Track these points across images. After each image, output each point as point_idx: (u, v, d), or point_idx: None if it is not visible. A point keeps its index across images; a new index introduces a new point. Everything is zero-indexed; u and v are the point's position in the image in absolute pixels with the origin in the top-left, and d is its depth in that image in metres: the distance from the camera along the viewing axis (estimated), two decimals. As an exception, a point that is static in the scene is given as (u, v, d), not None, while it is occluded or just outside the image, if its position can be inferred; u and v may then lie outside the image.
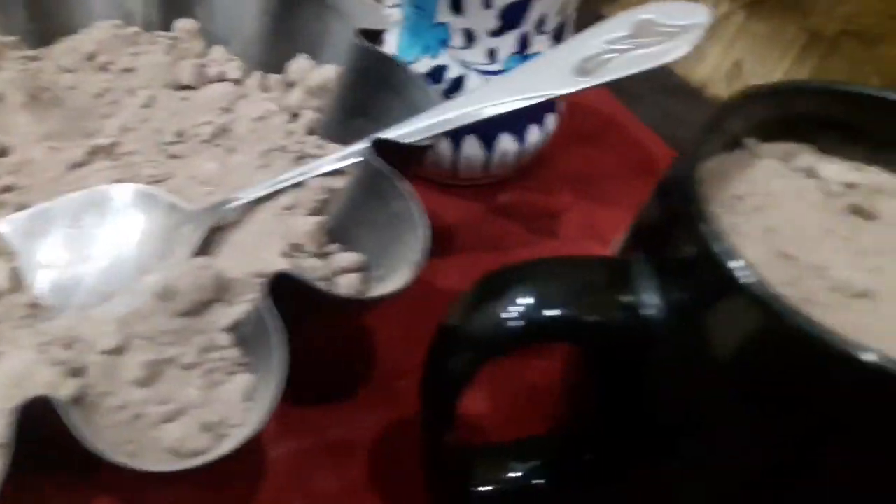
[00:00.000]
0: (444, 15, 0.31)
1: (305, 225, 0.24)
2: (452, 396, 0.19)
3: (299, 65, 0.30)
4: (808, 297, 0.17)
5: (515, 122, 0.35)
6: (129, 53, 0.31)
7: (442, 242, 0.35)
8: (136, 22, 0.31)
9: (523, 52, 0.32)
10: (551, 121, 0.36)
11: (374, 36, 0.28)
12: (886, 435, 0.16)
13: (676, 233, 0.17)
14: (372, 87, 0.27)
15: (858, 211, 0.20)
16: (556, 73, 0.25)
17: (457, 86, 0.32)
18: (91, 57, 0.31)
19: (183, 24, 0.31)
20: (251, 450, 0.27)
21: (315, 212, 0.25)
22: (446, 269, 0.34)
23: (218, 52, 0.31)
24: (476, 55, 0.32)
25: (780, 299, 0.15)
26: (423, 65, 0.32)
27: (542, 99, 0.25)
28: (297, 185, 0.25)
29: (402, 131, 0.25)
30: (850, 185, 0.20)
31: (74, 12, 0.31)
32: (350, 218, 0.25)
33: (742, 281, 0.15)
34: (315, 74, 0.29)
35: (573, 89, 0.24)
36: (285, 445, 0.28)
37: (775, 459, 0.18)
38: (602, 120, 0.41)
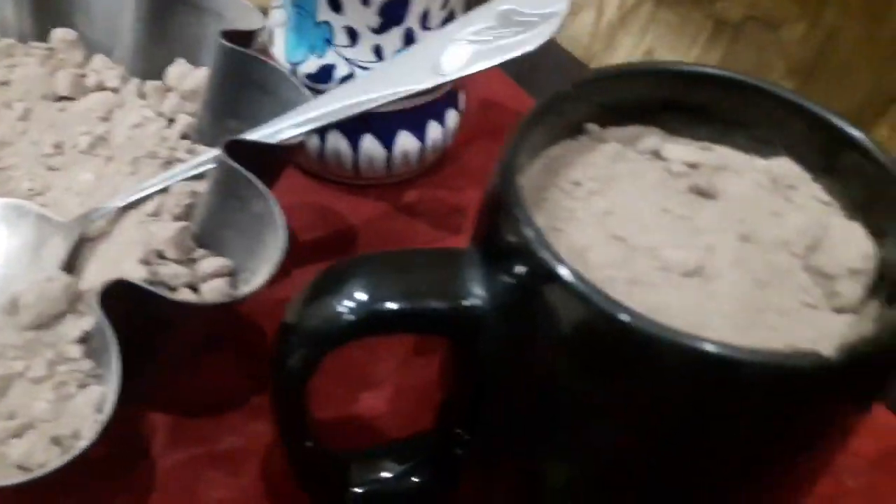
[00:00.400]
0: (324, 14, 0.31)
1: (167, 231, 0.23)
2: (296, 393, 0.19)
3: (177, 70, 0.29)
4: (636, 277, 0.17)
5: (414, 119, 0.34)
6: (3, 66, 0.30)
7: (345, 243, 0.35)
8: (11, 33, 0.31)
9: (409, 46, 0.32)
10: (453, 117, 0.36)
11: (248, 36, 0.27)
12: (703, 413, 0.16)
13: (498, 221, 0.17)
14: (242, 88, 0.27)
15: (699, 190, 0.20)
16: (420, 67, 0.25)
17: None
18: (-34, 71, 0.30)
19: (60, 35, 0.30)
20: (139, 461, 0.27)
21: (180, 217, 0.25)
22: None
23: (99, 61, 0.31)
24: (361, 53, 0.32)
25: (580, 283, 0.15)
26: (310, 65, 0.32)
27: (406, 93, 0.25)
28: (163, 191, 0.25)
29: (268, 131, 0.25)
30: (694, 165, 0.20)
31: (-52, 26, 0.31)
32: (217, 222, 0.24)
33: (545, 263, 0.15)
34: (189, 79, 0.28)
35: (435, 82, 0.24)
36: (175, 456, 0.27)
37: (618, 444, 0.18)
38: (510, 115, 0.41)
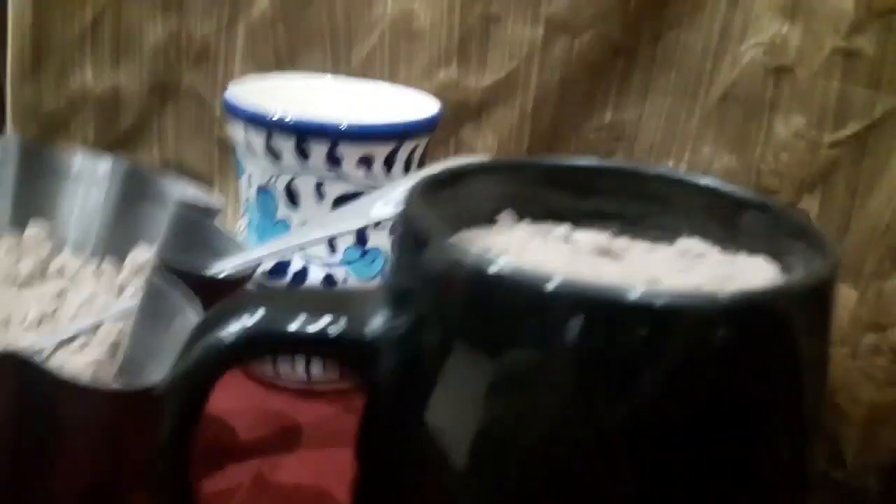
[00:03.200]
0: (283, 211, 0.33)
1: (85, 357, 0.23)
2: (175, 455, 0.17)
3: (137, 253, 0.31)
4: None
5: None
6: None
7: (289, 442, 0.33)
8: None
9: (362, 244, 0.34)
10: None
11: (204, 213, 0.30)
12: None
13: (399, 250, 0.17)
14: (193, 251, 0.28)
15: (605, 252, 0.20)
16: (352, 215, 0.27)
17: (300, 279, 0.33)
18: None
19: (32, 230, 0.33)
20: None
21: (108, 354, 0.24)
22: (292, 465, 0.31)
23: (66, 253, 0.33)
24: (316, 248, 0.33)
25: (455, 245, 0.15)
26: (268, 263, 0.34)
27: (336, 233, 0.26)
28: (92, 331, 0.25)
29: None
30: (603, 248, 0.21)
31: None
32: (141, 351, 0.24)
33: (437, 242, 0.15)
34: (142, 254, 0.30)
35: (363, 223, 0.26)
36: None
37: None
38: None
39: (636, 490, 0.15)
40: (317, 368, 0.35)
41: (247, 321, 0.16)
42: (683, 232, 0.21)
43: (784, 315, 0.15)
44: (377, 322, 0.17)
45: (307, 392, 0.36)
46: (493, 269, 0.15)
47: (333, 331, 0.16)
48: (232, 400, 0.37)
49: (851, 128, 0.33)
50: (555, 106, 0.42)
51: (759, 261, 0.19)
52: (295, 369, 0.35)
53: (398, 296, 0.17)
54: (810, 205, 0.36)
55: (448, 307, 0.16)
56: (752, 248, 0.20)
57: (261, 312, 0.17)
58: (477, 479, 0.16)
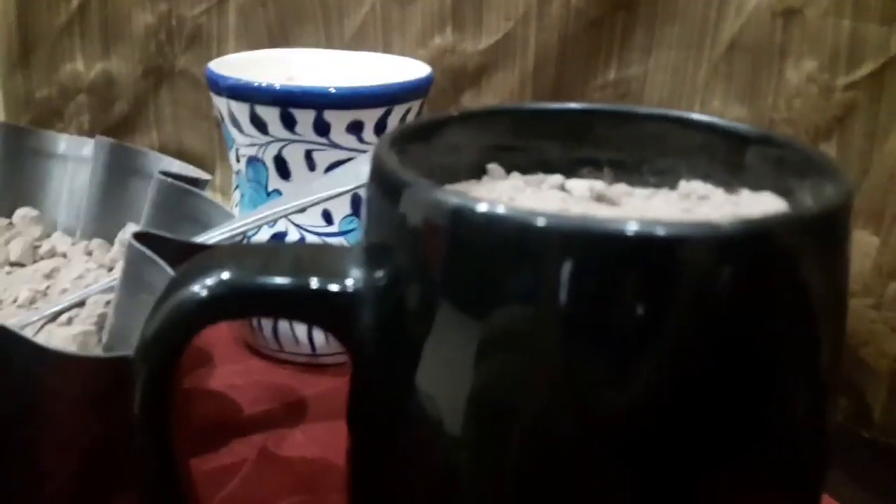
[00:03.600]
0: (275, 182, 0.32)
1: (70, 330, 0.22)
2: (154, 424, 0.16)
3: (129, 230, 0.30)
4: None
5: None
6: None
7: (295, 415, 0.32)
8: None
9: (358, 214, 0.33)
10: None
11: (190, 184, 0.29)
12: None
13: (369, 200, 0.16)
14: (180, 222, 0.27)
15: (601, 198, 0.19)
16: (342, 177, 0.26)
17: (296, 252, 0.33)
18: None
19: (21, 212, 0.32)
20: None
21: (95, 326, 0.24)
22: (297, 439, 0.31)
23: (57, 236, 0.32)
24: (311, 219, 0.33)
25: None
26: (263, 234, 0.33)
27: (327, 197, 0.25)
28: (79, 305, 0.24)
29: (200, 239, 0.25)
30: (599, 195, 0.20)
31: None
32: (126, 323, 0.23)
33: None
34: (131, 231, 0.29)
35: (355, 184, 0.25)
36: None
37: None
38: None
39: (640, 441, 0.14)
40: (320, 340, 0.34)
41: (221, 274, 0.15)
42: (684, 175, 0.20)
43: (793, 243, 0.14)
44: (357, 274, 0.16)
45: (312, 366, 0.35)
46: (477, 209, 0.14)
47: (314, 283, 0.15)
48: (236, 375, 0.36)
49: (866, 68, 0.32)
50: (556, 66, 0.40)
51: (767, 197, 0.18)
52: (299, 342, 0.34)
53: (376, 251, 0.16)
54: (827, 152, 0.34)
55: (430, 256, 0.15)
56: (759, 186, 0.19)
57: (236, 266, 0.16)
58: (471, 447, 0.15)
